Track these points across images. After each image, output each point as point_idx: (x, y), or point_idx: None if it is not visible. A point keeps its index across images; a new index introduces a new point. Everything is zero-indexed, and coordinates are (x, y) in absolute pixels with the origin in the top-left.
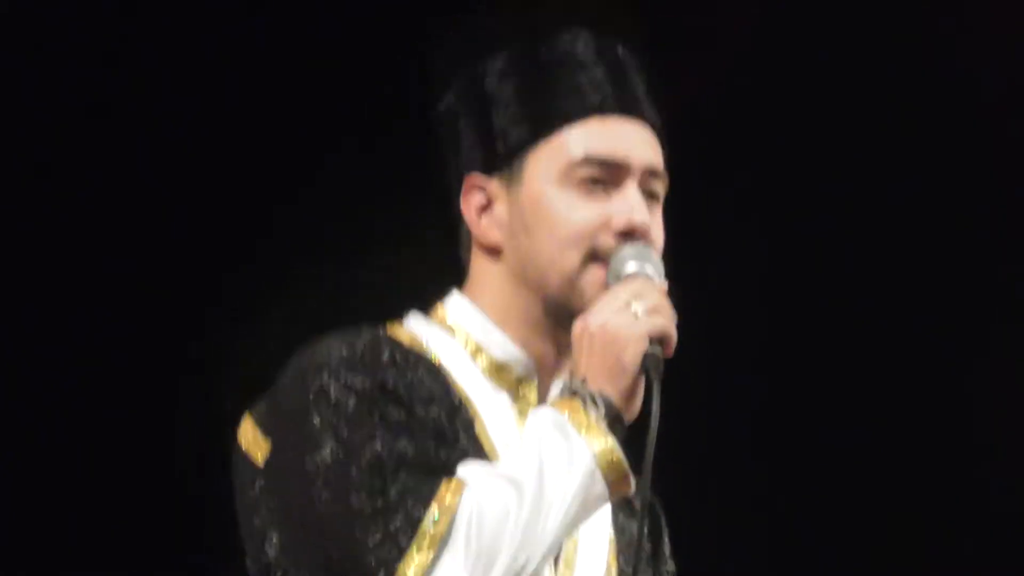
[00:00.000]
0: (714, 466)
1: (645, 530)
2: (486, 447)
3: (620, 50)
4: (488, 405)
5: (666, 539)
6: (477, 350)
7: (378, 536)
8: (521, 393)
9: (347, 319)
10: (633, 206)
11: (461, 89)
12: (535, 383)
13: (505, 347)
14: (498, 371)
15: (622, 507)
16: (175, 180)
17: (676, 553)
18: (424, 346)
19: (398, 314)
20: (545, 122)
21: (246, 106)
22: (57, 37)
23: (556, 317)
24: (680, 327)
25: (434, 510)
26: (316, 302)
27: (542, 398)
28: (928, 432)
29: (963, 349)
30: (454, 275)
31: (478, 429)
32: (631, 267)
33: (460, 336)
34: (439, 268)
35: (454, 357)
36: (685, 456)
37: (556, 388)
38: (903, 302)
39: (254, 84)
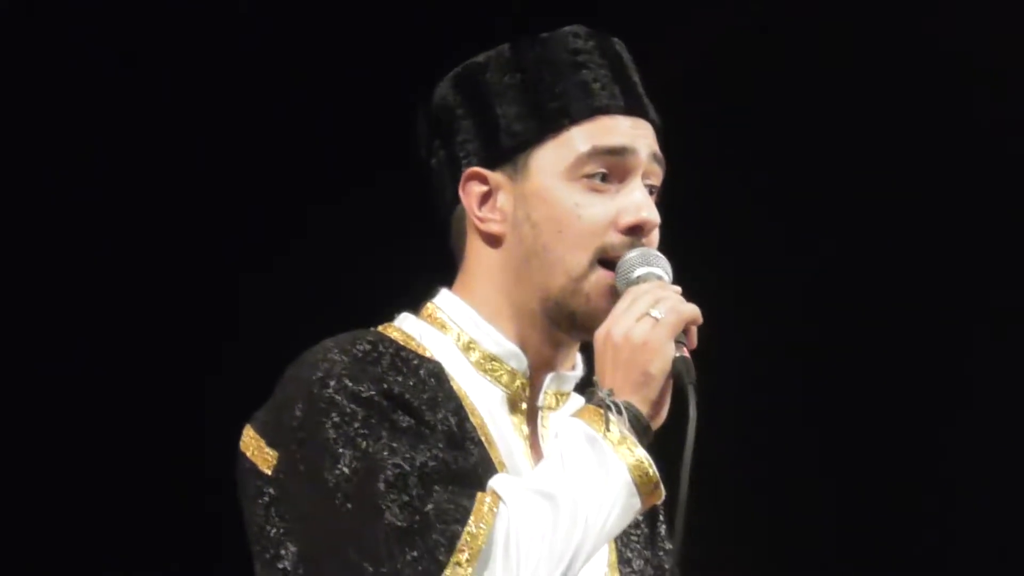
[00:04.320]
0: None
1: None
2: (490, 448)
3: (618, 47)
4: (485, 402)
5: (661, 519)
6: (469, 345)
7: (415, 552)
8: (515, 387)
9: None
10: (641, 203)
11: (460, 80)
12: (527, 376)
13: (498, 340)
14: (490, 364)
15: None
16: (178, 179)
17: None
18: (419, 345)
19: (388, 317)
20: (554, 121)
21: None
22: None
23: (552, 315)
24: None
25: (471, 525)
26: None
27: (535, 391)
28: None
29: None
30: (441, 276)
31: (481, 429)
32: (640, 271)
33: (452, 332)
34: (425, 268)
35: (447, 354)
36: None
37: (548, 381)
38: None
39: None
